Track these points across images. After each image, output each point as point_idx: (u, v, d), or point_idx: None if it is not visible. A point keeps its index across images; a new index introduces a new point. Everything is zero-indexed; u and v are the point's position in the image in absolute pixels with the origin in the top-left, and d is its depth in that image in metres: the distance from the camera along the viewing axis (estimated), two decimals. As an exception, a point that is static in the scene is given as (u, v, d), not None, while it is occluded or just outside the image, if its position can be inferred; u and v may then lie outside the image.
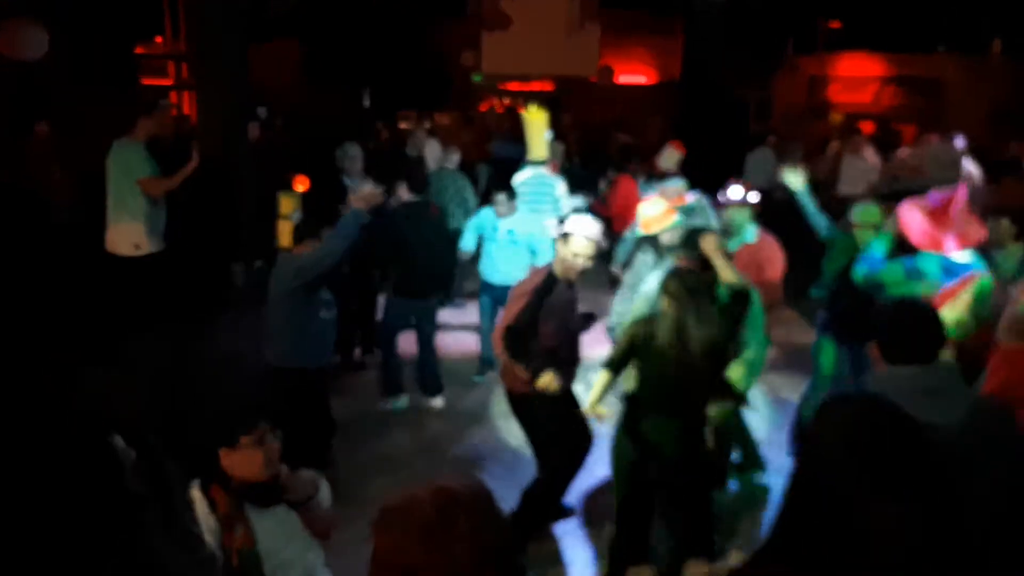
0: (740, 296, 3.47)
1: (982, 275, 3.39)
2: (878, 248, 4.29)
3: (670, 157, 8.12)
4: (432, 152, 8.08)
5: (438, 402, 5.68)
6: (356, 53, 14.62)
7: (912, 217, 4.02)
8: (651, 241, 5.07)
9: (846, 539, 1.27)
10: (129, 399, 2.25)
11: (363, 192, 4.47)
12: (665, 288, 3.41)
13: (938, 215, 3.95)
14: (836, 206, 8.99)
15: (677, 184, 5.91)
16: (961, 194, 4.04)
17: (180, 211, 6.98)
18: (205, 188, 6.57)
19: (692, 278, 3.42)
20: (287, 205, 7.25)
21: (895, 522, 1.24)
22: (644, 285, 4.42)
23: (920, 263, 3.99)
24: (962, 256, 3.87)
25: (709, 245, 3.68)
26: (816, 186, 9.72)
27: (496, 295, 5.97)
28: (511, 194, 5.98)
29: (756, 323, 3.88)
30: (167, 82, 12.64)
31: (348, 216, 4.35)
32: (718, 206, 5.12)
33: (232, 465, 2.41)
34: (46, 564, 1.40)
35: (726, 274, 3.58)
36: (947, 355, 3.05)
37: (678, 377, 3.36)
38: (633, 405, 3.59)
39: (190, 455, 2.46)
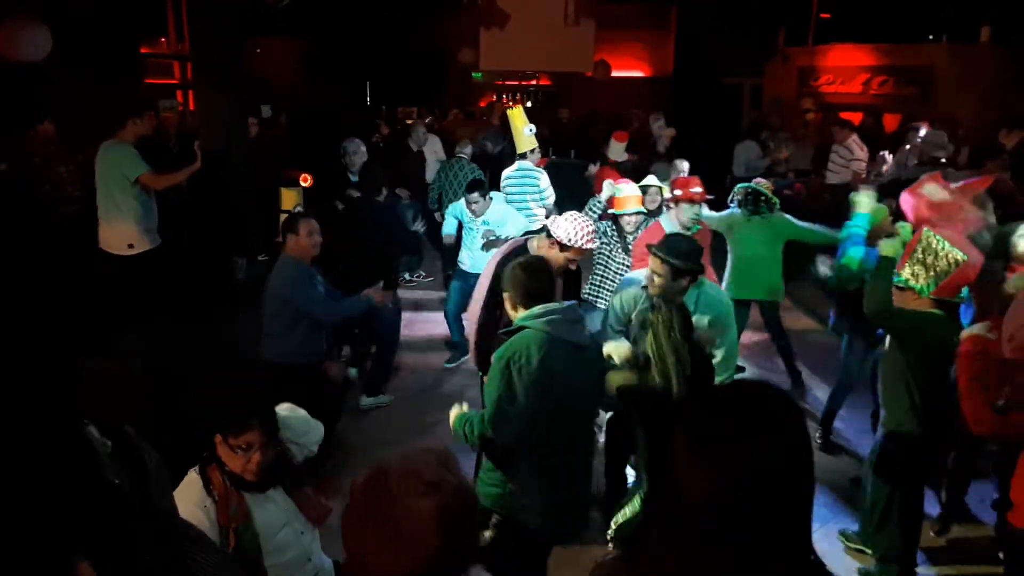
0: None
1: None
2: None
3: (616, 148, 8.41)
4: (432, 147, 8.31)
5: (384, 400, 5.75)
6: (357, 49, 14.81)
7: (912, 205, 4.21)
8: (615, 219, 5.33)
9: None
10: (122, 391, 2.21)
11: (380, 293, 4.69)
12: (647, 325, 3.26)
13: (939, 204, 4.12)
14: (823, 194, 9.25)
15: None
16: (972, 185, 4.25)
17: (182, 207, 7.19)
18: (207, 184, 6.71)
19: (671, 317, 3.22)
20: (289, 200, 7.50)
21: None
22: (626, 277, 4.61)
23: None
24: None
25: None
26: (804, 173, 9.97)
27: (470, 283, 6.19)
28: (483, 192, 6.17)
29: (727, 322, 4.02)
30: (172, 81, 12.84)
31: (358, 301, 4.56)
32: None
33: (225, 457, 2.45)
34: (19, 554, 1.33)
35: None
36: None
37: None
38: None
39: (187, 445, 2.53)
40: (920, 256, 3.35)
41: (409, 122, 12.33)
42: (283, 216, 7.24)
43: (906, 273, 3.40)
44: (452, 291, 6.42)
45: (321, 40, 14.64)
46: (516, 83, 17.95)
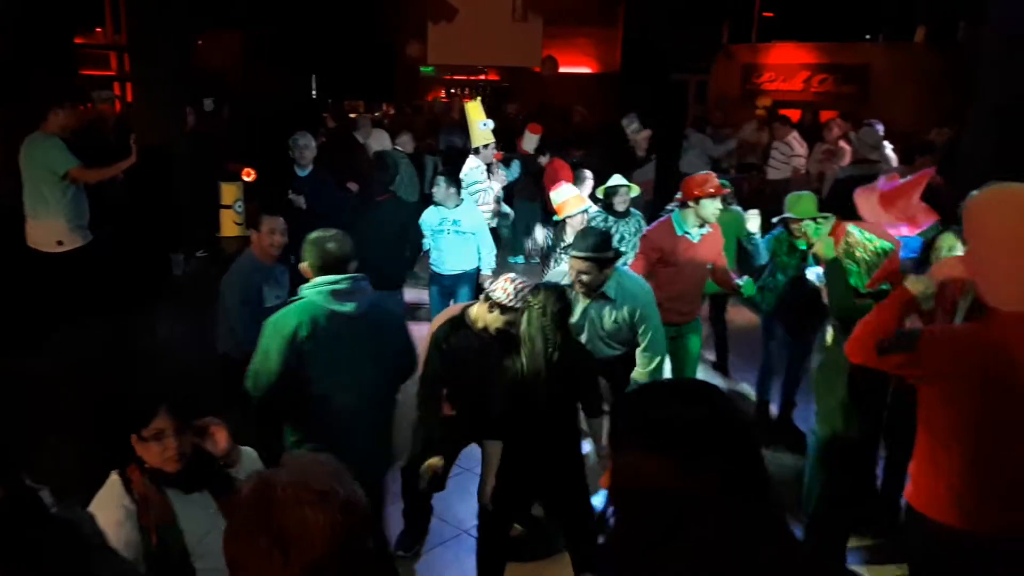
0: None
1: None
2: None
3: (530, 140, 8.47)
4: (378, 141, 8.26)
5: None
6: (303, 42, 14.60)
7: (866, 204, 4.32)
8: (557, 225, 5.39)
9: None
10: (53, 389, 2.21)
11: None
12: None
13: (891, 200, 4.25)
14: (764, 189, 9.44)
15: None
16: (919, 179, 4.36)
17: (118, 202, 7.00)
18: (144, 178, 6.54)
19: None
20: (229, 194, 7.36)
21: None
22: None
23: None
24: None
25: None
26: (746, 168, 10.14)
27: (445, 285, 6.20)
28: (451, 180, 6.11)
29: (650, 310, 4.10)
30: (109, 73, 12.50)
31: None
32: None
33: (142, 453, 2.39)
34: None
35: None
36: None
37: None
38: None
39: (111, 444, 2.45)
40: (847, 251, 3.41)
41: (353, 115, 12.21)
42: (223, 211, 7.11)
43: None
44: (432, 298, 6.32)
45: (266, 32, 14.40)
46: (465, 77, 17.93)
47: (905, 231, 4.13)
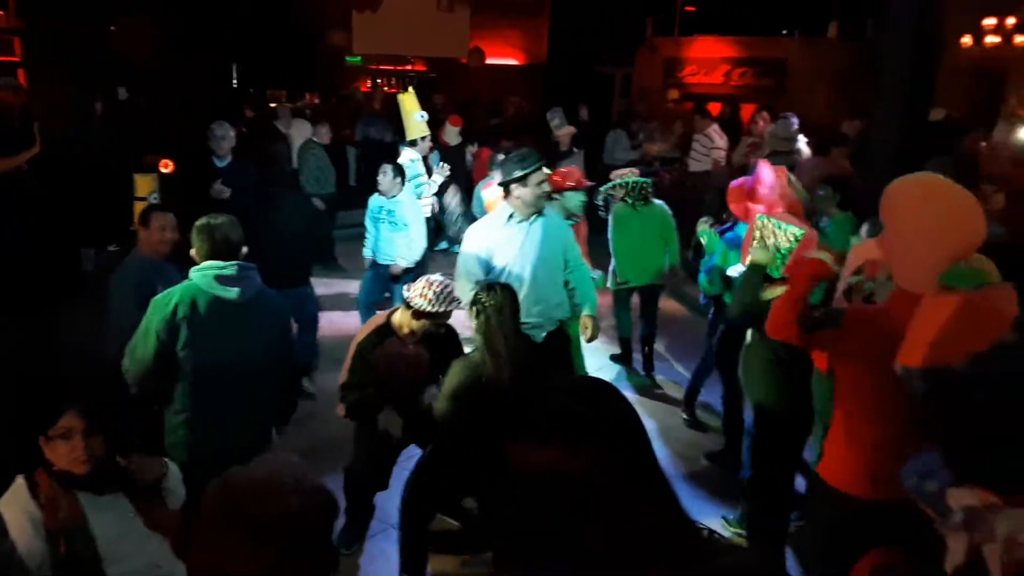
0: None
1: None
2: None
3: (450, 132, 8.49)
4: (300, 131, 8.12)
5: (304, 382, 5.58)
6: (223, 30, 14.18)
7: (731, 193, 4.50)
8: None
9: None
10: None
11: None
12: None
13: (750, 191, 4.42)
14: (686, 182, 9.64)
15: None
16: (761, 175, 4.51)
17: (22, 196, 6.67)
18: (50, 170, 6.28)
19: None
20: (143, 186, 7.11)
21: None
22: None
23: (740, 231, 4.44)
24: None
25: None
26: (668, 161, 10.33)
27: (381, 273, 6.21)
28: (397, 170, 6.07)
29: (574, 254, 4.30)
30: (12, 59, 11.88)
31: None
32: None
33: (50, 454, 2.32)
34: None
35: None
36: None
37: None
38: None
39: (19, 446, 2.40)
40: (761, 241, 3.49)
41: (274, 105, 11.93)
42: (137, 203, 6.87)
43: (754, 261, 3.50)
44: (365, 280, 6.32)
45: (185, 20, 13.92)
46: (391, 68, 17.72)
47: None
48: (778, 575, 1.38)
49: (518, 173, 4.11)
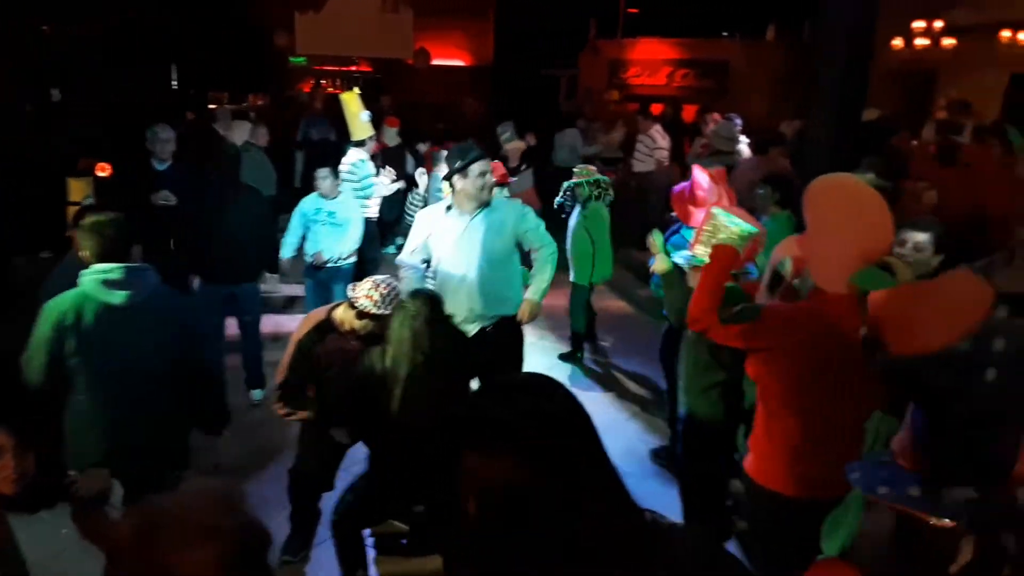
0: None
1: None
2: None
3: (388, 133, 8.47)
4: (240, 133, 7.98)
5: (255, 394, 5.60)
6: (161, 30, 13.86)
7: (675, 195, 4.60)
8: None
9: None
10: None
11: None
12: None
13: (690, 195, 4.52)
14: (630, 182, 9.76)
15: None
16: (697, 179, 4.61)
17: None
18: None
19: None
20: (77, 190, 6.90)
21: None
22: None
23: (686, 233, 4.52)
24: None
25: None
26: (612, 162, 10.44)
27: (320, 277, 6.09)
28: (335, 172, 6.03)
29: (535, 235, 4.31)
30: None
31: None
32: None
33: None
34: None
35: None
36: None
37: None
38: None
39: None
40: (712, 234, 3.50)
41: (213, 107, 11.71)
42: (70, 208, 6.67)
43: (702, 254, 3.50)
44: (307, 290, 6.23)
45: (122, 19, 13.57)
46: (336, 68, 17.56)
47: (699, 218, 4.42)
48: (721, 552, 1.37)
49: (459, 164, 4.11)
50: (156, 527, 1.29)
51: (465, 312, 4.19)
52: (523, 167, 8.24)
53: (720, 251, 3.04)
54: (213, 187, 5.44)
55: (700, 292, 2.96)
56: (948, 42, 10.66)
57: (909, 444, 1.58)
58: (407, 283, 4.24)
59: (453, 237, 4.20)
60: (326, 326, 3.66)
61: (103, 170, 7.20)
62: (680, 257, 3.74)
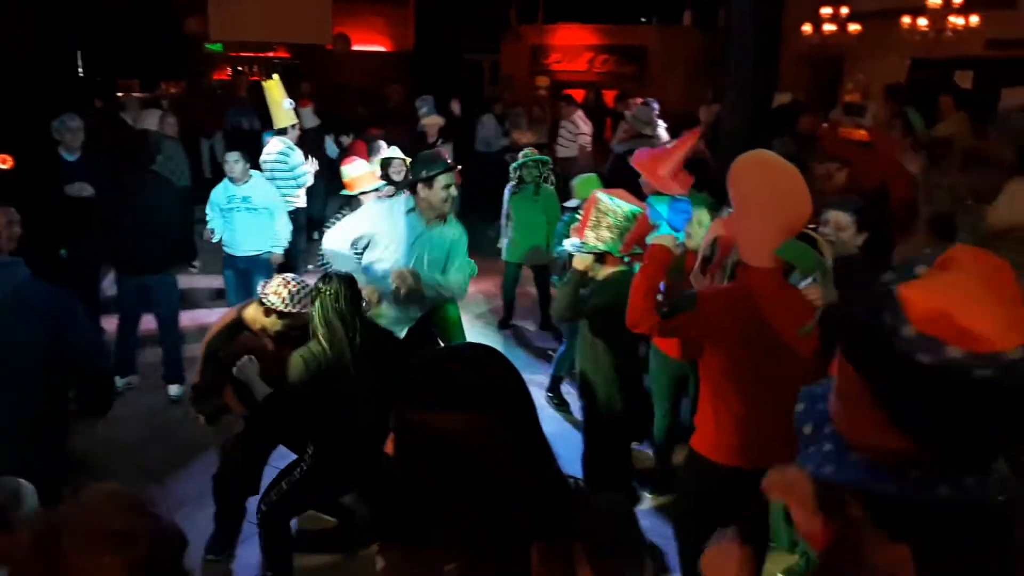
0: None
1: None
2: None
3: (306, 115, 8.43)
4: (149, 121, 7.74)
5: (173, 390, 5.48)
6: (65, 14, 13.22)
7: (644, 167, 4.66)
8: (351, 200, 5.35)
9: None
10: None
11: None
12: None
13: (664, 160, 4.59)
14: (554, 168, 9.85)
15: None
16: (685, 142, 4.71)
17: None
18: None
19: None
20: (-23, 184, 6.57)
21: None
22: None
23: (655, 205, 4.59)
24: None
25: None
26: (536, 148, 10.50)
27: (239, 268, 5.97)
28: (244, 155, 5.89)
29: (459, 251, 4.30)
30: None
31: None
32: None
33: None
34: None
35: None
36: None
37: None
38: None
39: None
40: (598, 219, 3.56)
41: (120, 95, 11.28)
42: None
43: (592, 239, 3.57)
44: (227, 282, 6.10)
45: (23, 3, 12.88)
46: (253, 55, 17.09)
47: (677, 188, 4.54)
48: (631, 516, 1.42)
49: (424, 174, 4.06)
50: (59, 536, 1.23)
51: (399, 313, 4.20)
52: (440, 141, 8.26)
53: (654, 250, 3.04)
54: (124, 177, 5.29)
55: (636, 295, 2.95)
56: (854, 28, 11.08)
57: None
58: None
59: (409, 240, 4.16)
60: (236, 326, 3.60)
61: (4, 162, 6.87)
62: (569, 244, 3.75)
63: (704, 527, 2.68)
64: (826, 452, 1.05)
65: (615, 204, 3.52)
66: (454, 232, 4.31)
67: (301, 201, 7.06)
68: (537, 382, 5.54)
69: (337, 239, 4.27)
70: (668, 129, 8.55)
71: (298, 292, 3.47)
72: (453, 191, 4.15)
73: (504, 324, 6.95)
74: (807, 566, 3.62)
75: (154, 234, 5.22)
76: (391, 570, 1.24)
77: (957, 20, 10.10)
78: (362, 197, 5.29)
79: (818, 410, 1.09)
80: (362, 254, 4.29)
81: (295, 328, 3.43)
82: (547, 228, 6.29)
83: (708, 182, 5.50)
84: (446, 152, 8.12)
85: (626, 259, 3.66)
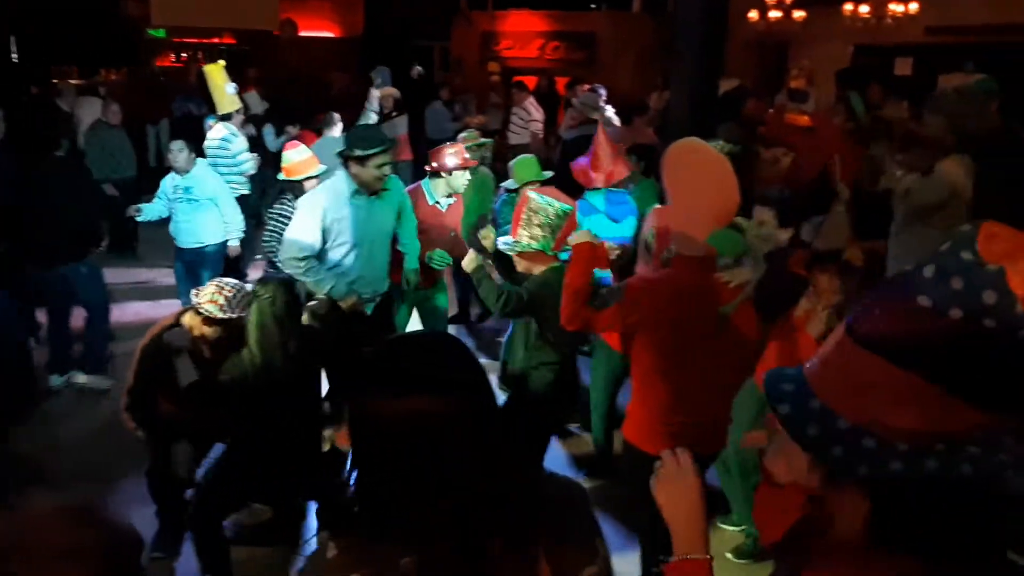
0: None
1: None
2: None
3: (252, 99, 8.31)
4: (89, 110, 7.53)
5: (102, 383, 5.31)
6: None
7: (580, 176, 4.68)
8: (292, 186, 5.23)
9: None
10: None
11: None
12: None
13: (594, 166, 4.61)
14: (506, 154, 9.84)
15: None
16: (599, 137, 4.72)
17: None
18: None
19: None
20: None
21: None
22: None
23: (590, 199, 4.59)
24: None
25: None
26: (488, 134, 10.48)
27: (187, 259, 5.86)
28: (188, 144, 5.75)
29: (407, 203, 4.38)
30: None
31: None
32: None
33: None
34: None
35: None
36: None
37: None
38: None
39: None
40: (530, 217, 3.53)
41: (56, 82, 10.92)
42: None
43: (525, 237, 3.54)
44: (177, 274, 6.00)
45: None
46: (198, 40, 16.71)
47: (600, 180, 4.57)
48: (583, 496, 1.44)
49: (358, 152, 3.97)
50: (6, 562, 1.15)
51: (370, 293, 4.20)
52: (394, 113, 8.18)
53: (579, 250, 3.01)
54: (29, 167, 5.11)
55: (567, 294, 2.94)
56: (799, 14, 11.24)
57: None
58: (316, 281, 4.08)
59: (358, 221, 4.10)
60: (175, 332, 3.50)
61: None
62: (502, 243, 3.71)
63: (650, 512, 2.72)
64: (868, 448, 0.99)
65: (546, 202, 3.52)
66: (400, 190, 4.41)
67: (244, 189, 6.93)
68: (491, 368, 5.53)
69: (303, 241, 4.05)
70: (617, 114, 8.59)
71: (234, 297, 3.41)
72: (387, 170, 4.06)
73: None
74: (755, 545, 3.70)
75: (59, 223, 5.00)
76: (343, 560, 1.22)
77: (897, 8, 10.33)
78: (305, 184, 5.16)
79: (812, 408, 1.05)
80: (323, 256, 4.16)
81: (234, 332, 3.34)
82: (476, 213, 6.23)
83: (655, 169, 5.59)
84: (403, 125, 8.04)
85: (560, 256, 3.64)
